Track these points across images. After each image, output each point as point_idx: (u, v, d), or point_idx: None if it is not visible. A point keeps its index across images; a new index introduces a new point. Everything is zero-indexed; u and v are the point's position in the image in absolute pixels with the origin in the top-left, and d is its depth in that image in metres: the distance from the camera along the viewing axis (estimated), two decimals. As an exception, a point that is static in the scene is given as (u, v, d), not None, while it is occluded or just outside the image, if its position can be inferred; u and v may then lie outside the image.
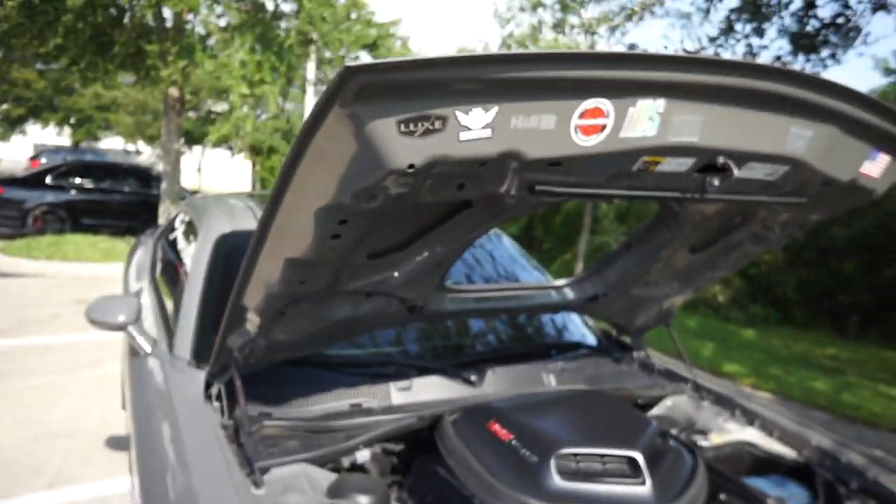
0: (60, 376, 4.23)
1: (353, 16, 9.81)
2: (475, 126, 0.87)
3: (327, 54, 10.83)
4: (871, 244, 7.82)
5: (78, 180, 10.45)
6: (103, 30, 7.79)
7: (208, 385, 1.67)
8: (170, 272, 2.74)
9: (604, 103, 0.93)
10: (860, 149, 1.26)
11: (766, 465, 1.72)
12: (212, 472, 1.33)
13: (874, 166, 1.32)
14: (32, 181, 10.24)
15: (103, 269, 7.81)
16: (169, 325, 2.18)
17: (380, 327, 1.68)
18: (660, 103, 0.97)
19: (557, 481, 1.30)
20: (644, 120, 0.97)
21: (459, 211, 1.22)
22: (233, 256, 2.19)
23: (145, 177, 11.59)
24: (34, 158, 21.16)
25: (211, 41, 7.82)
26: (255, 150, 21.66)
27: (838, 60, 6.67)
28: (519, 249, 2.76)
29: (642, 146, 1.00)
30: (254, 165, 23.12)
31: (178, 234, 2.98)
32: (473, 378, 1.83)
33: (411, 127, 0.83)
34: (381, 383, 1.75)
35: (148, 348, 2.08)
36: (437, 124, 0.84)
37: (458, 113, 0.85)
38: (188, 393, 1.67)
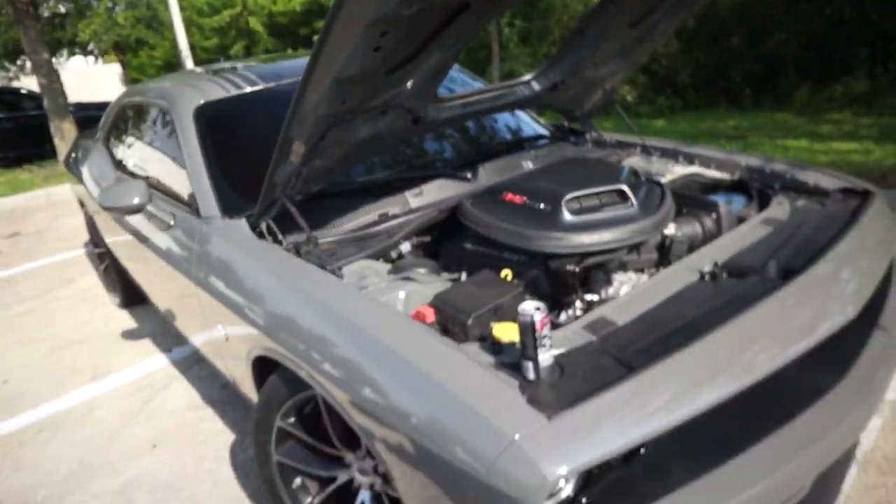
0: (38, 300, 4.29)
1: None
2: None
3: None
4: (753, 17, 8.39)
5: (-56, 116, 9.47)
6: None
7: (253, 227, 1.93)
8: (143, 156, 2.83)
9: None
10: None
11: (711, 187, 2.19)
12: (302, 278, 1.63)
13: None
14: None
15: (18, 200, 7.44)
16: (176, 198, 2.35)
17: (391, 142, 1.94)
18: None
19: (569, 217, 1.69)
20: None
21: (458, 14, 1.45)
22: (213, 122, 2.34)
23: (19, 98, 10.58)
24: None
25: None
26: (120, 48, 19.69)
27: None
28: (472, 77, 3.00)
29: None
30: (123, 66, 21.09)
31: (135, 124, 3.01)
32: (469, 175, 2.16)
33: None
34: (398, 194, 2.05)
35: (171, 221, 2.27)
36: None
37: None
38: (239, 237, 1.92)
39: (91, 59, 22.10)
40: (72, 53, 18.01)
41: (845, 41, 7.76)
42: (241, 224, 1.96)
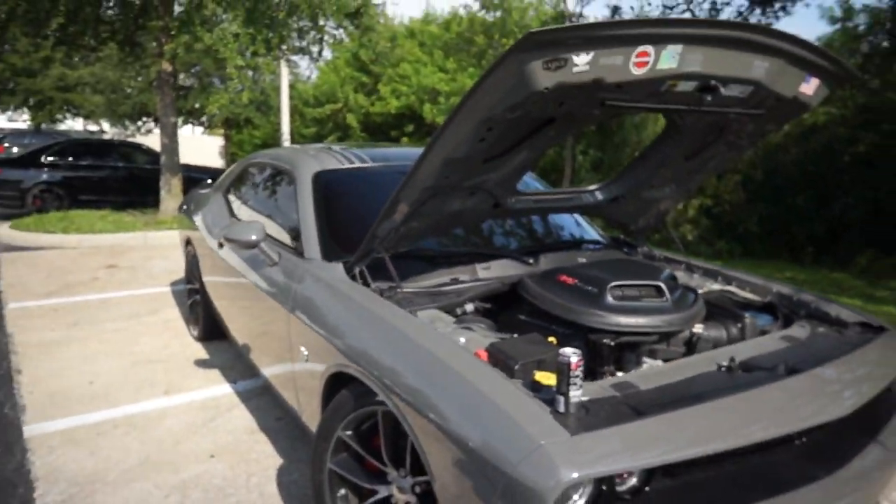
0: (127, 322, 4.79)
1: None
2: (581, 63, 1.51)
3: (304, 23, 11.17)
4: (822, 179, 8.72)
5: (72, 158, 10.72)
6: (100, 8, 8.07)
7: (348, 271, 2.33)
8: (259, 207, 3.35)
9: (648, 48, 1.58)
10: (799, 74, 1.94)
11: (742, 305, 2.46)
12: (385, 312, 1.99)
13: (808, 87, 2.01)
14: (28, 161, 10.47)
15: (118, 238, 8.25)
16: (284, 242, 2.80)
17: (472, 220, 2.34)
18: (678, 47, 1.62)
19: (611, 301, 2.00)
20: (670, 58, 1.63)
21: (545, 125, 1.87)
22: (325, 186, 2.83)
23: (136, 152, 11.89)
24: (-1, 143, 20.74)
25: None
26: (228, 124, 21.80)
27: (788, 12, 7.88)
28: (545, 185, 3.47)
29: (668, 74, 1.65)
30: (227, 140, 23.20)
31: (257, 181, 3.58)
32: (531, 260, 2.52)
33: (549, 65, 1.48)
34: (469, 265, 2.42)
35: (276, 258, 2.71)
36: (562, 62, 1.49)
37: (572, 56, 1.49)
38: (335, 277, 2.32)
39: (198, 128, 24.50)
40: (186, 122, 20.16)
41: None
42: (338, 267, 2.37)
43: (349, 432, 2.00)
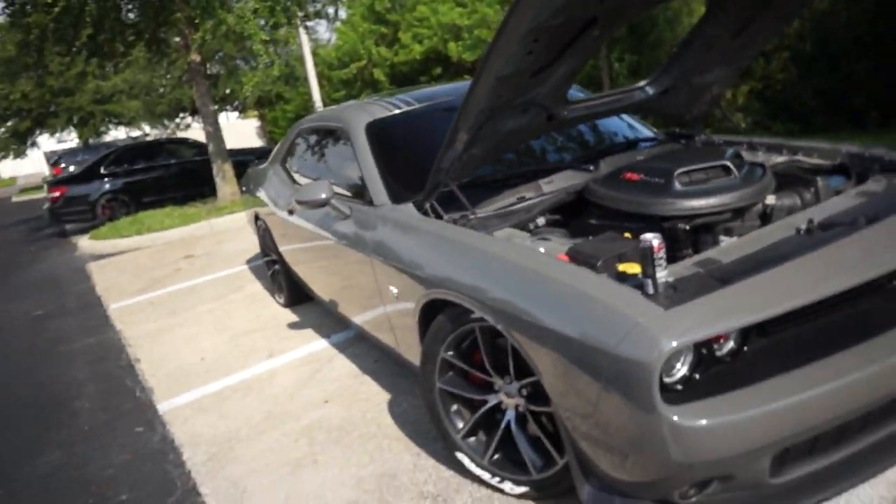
0: (217, 302, 5.12)
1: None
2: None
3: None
4: (880, 41, 8.17)
5: (127, 165, 11.21)
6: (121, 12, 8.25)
7: (419, 208, 2.44)
8: (320, 168, 3.50)
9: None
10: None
11: (812, 171, 2.44)
12: (465, 238, 2.11)
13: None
14: (89, 175, 11.02)
15: (188, 230, 8.66)
16: (352, 195, 2.94)
17: (529, 136, 2.41)
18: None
19: (680, 187, 2.05)
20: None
21: (588, 28, 1.89)
22: (380, 134, 2.93)
23: (183, 147, 12.29)
24: (55, 165, 21.68)
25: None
26: (260, 104, 22.07)
27: None
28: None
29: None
30: (262, 119, 23.52)
31: (312, 144, 3.72)
32: (591, 167, 2.57)
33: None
34: (532, 182, 2.50)
35: (348, 212, 2.85)
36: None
37: None
38: (408, 216, 2.44)
39: (233, 114, 24.92)
40: (221, 109, 20.54)
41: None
42: (409, 207, 2.49)
43: (451, 352, 2.15)
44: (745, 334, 1.57)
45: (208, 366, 3.82)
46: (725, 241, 2.06)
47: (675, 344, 1.40)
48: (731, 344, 1.57)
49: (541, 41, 1.77)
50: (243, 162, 10.87)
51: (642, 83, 2.61)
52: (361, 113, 3.11)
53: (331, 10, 10.26)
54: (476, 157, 2.27)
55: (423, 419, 2.72)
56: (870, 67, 8.15)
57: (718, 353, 1.56)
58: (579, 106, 2.44)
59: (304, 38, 13.79)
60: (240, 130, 24.17)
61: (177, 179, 11.41)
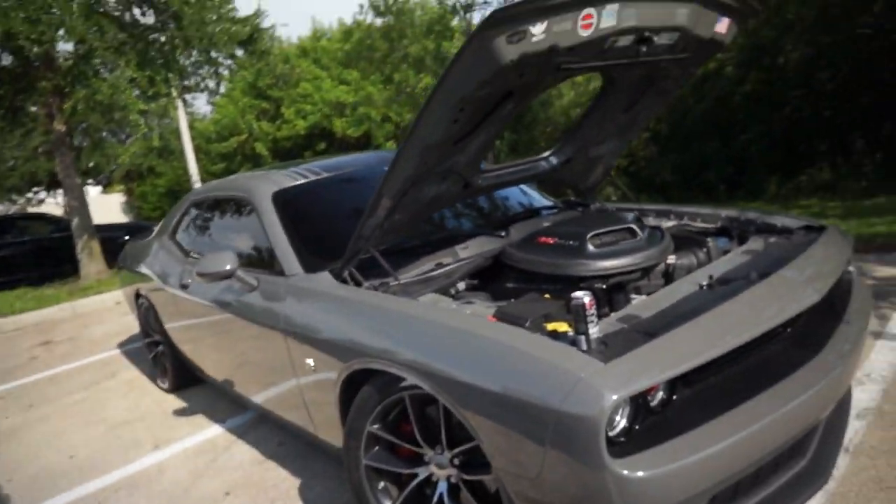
0: (88, 391, 4.58)
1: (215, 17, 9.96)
2: (538, 33, 1.65)
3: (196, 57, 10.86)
4: (720, 121, 9.38)
5: (-29, 243, 10.03)
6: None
7: (336, 276, 2.37)
8: (219, 240, 3.32)
9: (591, 10, 1.74)
10: (713, 15, 2.16)
11: (700, 234, 2.68)
12: (390, 304, 2.06)
13: (722, 26, 2.24)
14: (-79, 255, 9.71)
15: (43, 314, 7.79)
16: (258, 267, 2.80)
17: (447, 203, 2.45)
18: (615, 6, 1.79)
19: (593, 249, 2.16)
20: (609, 16, 1.79)
21: (504, 100, 1.99)
22: (288, 204, 2.86)
23: (38, 223, 11.23)
24: None
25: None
26: (129, 177, 20.85)
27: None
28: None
29: (610, 31, 1.82)
30: (130, 194, 22.16)
31: (208, 216, 3.54)
32: (503, 234, 2.65)
33: (512, 39, 1.60)
34: (447, 248, 2.52)
35: (255, 283, 2.70)
36: (522, 34, 1.61)
37: (529, 27, 1.63)
38: (325, 285, 2.36)
39: (95, 189, 23.26)
40: (84, 183, 19.11)
41: (805, 137, 8.67)
42: (324, 276, 2.41)
43: (377, 426, 2.05)
44: (673, 385, 1.64)
45: (80, 464, 3.36)
46: (637, 298, 2.18)
47: (616, 396, 1.43)
48: (661, 394, 1.63)
49: (466, 110, 1.84)
50: (111, 238, 10.10)
51: (546, 154, 2.78)
52: (266, 182, 3.02)
53: (212, 84, 10.05)
54: (397, 224, 2.26)
55: (338, 500, 2.54)
56: (715, 145, 9.29)
57: (652, 404, 1.61)
58: (491, 175, 2.54)
59: (181, 110, 13.39)
60: (104, 205, 22.59)
61: (30, 258, 10.32)
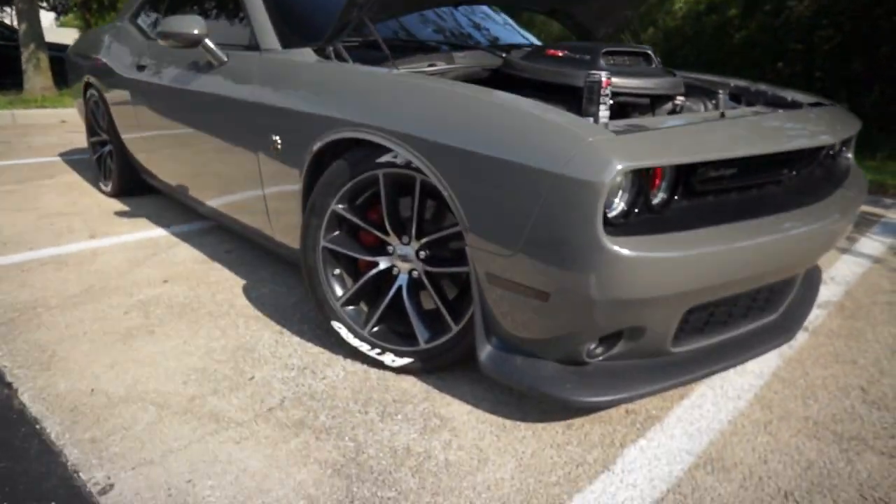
0: (21, 185, 4.25)
1: None
2: None
3: None
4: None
5: None
6: None
7: (320, 52, 2.14)
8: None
9: None
10: None
11: (710, 88, 2.54)
12: (383, 71, 1.86)
13: None
14: None
15: (-19, 117, 7.22)
16: (230, 45, 2.51)
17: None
18: None
19: (605, 65, 1.99)
20: None
21: None
22: None
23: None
24: None
25: None
26: (87, 6, 19.19)
27: None
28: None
29: None
30: (88, 26, 20.52)
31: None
32: (503, 54, 2.44)
33: None
34: (444, 53, 2.31)
35: (224, 58, 2.43)
36: None
37: None
38: (305, 60, 2.12)
39: (49, 16, 21.38)
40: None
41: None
42: (306, 51, 2.16)
43: (344, 205, 1.90)
44: (675, 187, 1.53)
45: (5, 239, 3.11)
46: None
47: (622, 167, 1.30)
48: (662, 194, 1.52)
49: None
50: (63, 59, 9.29)
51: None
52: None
53: None
54: (396, -2, 2.02)
55: (286, 303, 2.42)
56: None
57: (653, 202, 1.50)
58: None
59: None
60: (57, 40, 20.97)
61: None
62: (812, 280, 2.19)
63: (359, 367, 1.95)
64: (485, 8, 3.23)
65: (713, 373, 1.69)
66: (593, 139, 1.34)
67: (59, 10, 19.18)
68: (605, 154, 1.31)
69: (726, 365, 1.71)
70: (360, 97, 1.83)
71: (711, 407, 1.76)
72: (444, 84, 1.70)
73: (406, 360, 1.87)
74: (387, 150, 1.75)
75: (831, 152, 2.14)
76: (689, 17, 10.16)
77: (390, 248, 1.89)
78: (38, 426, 1.61)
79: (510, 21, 3.29)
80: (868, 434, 1.65)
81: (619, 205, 1.44)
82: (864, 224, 3.67)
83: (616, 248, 1.33)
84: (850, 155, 2.34)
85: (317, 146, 1.93)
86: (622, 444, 1.59)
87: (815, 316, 2.39)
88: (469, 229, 1.54)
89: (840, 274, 2.87)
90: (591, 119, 1.49)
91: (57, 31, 22.25)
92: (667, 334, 1.58)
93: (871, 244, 3.31)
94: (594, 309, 1.41)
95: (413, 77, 1.78)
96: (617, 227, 1.41)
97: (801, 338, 2.20)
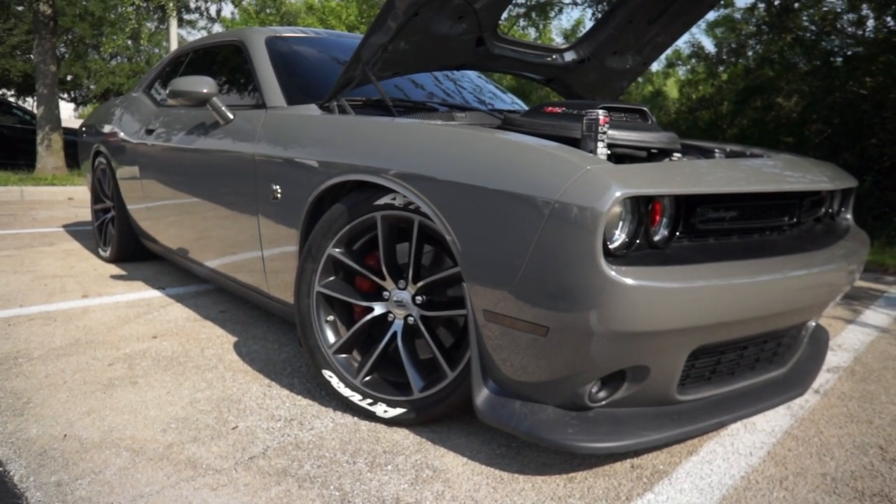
0: (20, 251, 4.24)
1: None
2: None
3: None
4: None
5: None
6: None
7: (323, 108, 2.19)
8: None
9: None
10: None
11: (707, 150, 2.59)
12: (384, 120, 1.90)
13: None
14: None
15: (6, 192, 7.36)
16: (235, 105, 2.59)
17: (454, 59, 2.29)
18: None
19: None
20: None
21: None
22: (281, 48, 2.67)
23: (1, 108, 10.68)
24: None
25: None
26: (106, 97, 20.10)
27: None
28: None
29: None
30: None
31: (193, 65, 3.30)
32: (501, 116, 2.51)
33: None
34: (446, 112, 2.37)
35: (230, 116, 2.50)
36: None
37: None
38: (309, 114, 2.18)
39: (68, 107, 22.31)
40: (57, 88, 18.33)
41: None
42: (310, 107, 2.22)
43: (341, 249, 1.87)
44: (676, 225, 1.52)
45: (-3, 297, 3.07)
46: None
47: (621, 193, 1.29)
48: (663, 230, 1.50)
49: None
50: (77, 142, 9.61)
51: (561, 46, 2.65)
52: (263, 30, 2.82)
53: (213, 10, 9.73)
54: (400, 55, 2.09)
55: (277, 358, 2.34)
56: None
57: (655, 238, 1.48)
58: (506, 46, 2.40)
59: (173, 30, 12.94)
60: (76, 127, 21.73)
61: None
62: (819, 339, 2.13)
63: (349, 418, 1.85)
64: (475, 77, 3.36)
65: (723, 424, 1.60)
66: (592, 167, 1.34)
67: (79, 101, 20.05)
68: (605, 180, 1.31)
69: (736, 416, 1.63)
70: (361, 142, 1.86)
71: (722, 462, 1.65)
72: (442, 124, 1.73)
73: (399, 411, 1.78)
74: (385, 193, 1.75)
75: (831, 210, 2.15)
76: (682, 112, 10.59)
77: (386, 294, 1.84)
78: (1, 469, 1.50)
79: (501, 88, 3.42)
80: (892, 491, 1.54)
81: (619, 236, 1.42)
82: (868, 298, 3.63)
83: (617, 275, 1.29)
84: (849, 216, 2.34)
85: (316, 192, 1.93)
86: (628, 497, 1.47)
87: (826, 380, 2.31)
88: (466, 263, 1.51)
89: (848, 342, 2.80)
90: (592, 155, 1.50)
91: (75, 122, 23.16)
92: (672, 378, 1.51)
93: (877, 316, 3.26)
94: (595, 342, 1.35)
95: (412, 120, 1.82)
96: (618, 257, 1.38)
97: (812, 399, 2.11)
